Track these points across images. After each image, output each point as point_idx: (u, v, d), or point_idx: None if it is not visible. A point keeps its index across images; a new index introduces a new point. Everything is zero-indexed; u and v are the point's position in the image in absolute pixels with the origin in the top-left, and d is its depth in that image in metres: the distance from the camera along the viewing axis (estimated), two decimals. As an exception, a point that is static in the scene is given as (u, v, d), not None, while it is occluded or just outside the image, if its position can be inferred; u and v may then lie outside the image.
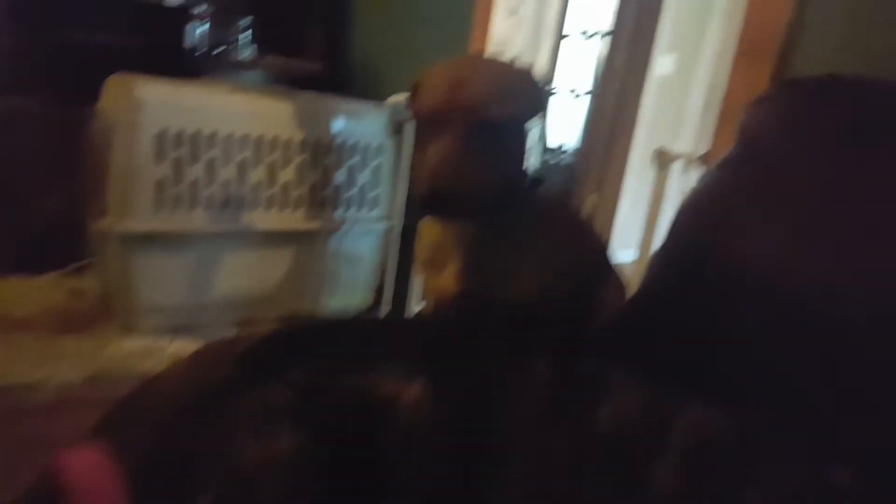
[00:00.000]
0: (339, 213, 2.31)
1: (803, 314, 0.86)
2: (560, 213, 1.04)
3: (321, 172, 2.24)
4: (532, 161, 0.99)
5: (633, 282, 1.66)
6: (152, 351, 2.00)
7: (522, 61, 2.14)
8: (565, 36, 4.55)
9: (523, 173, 0.93)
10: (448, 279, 0.93)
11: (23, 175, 2.38)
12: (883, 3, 1.12)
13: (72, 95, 2.20)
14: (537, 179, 0.96)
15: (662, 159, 1.71)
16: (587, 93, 4.54)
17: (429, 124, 0.82)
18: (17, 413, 1.63)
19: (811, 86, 1.02)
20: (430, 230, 0.97)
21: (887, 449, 0.75)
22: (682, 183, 1.70)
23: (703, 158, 1.49)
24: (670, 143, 3.29)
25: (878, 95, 0.95)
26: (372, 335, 0.75)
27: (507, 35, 2.06)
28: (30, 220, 2.39)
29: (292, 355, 0.67)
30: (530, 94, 0.87)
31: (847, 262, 0.85)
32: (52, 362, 1.86)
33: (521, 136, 0.89)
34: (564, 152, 4.69)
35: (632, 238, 3.62)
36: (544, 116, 0.98)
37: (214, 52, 2.84)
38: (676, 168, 1.71)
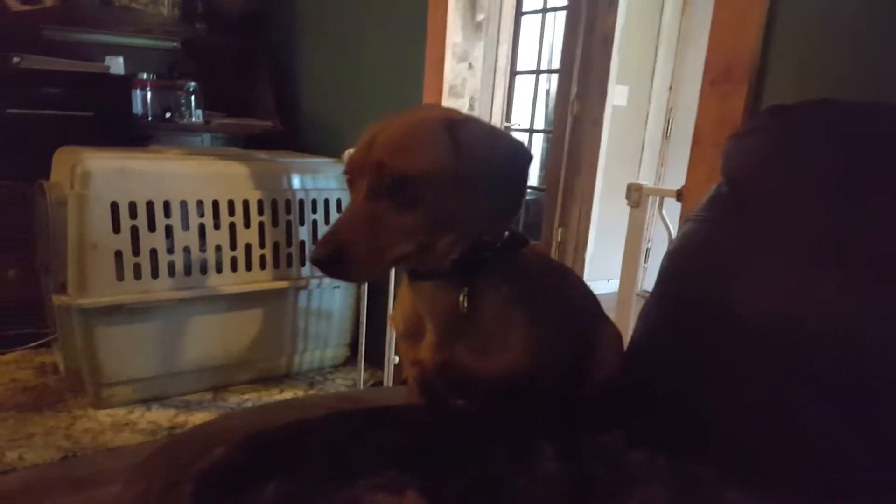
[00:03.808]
0: (305, 269, 2.28)
1: (817, 359, 0.78)
2: (545, 268, 0.97)
3: (283, 230, 2.22)
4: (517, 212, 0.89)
5: (618, 319, 1.66)
6: (126, 424, 1.92)
7: (476, 105, 2.19)
8: (520, 73, 4.67)
9: (501, 230, 0.84)
10: (426, 351, 0.86)
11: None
12: (847, 24, 1.08)
13: (23, 170, 2.15)
14: (521, 238, 0.88)
15: (636, 194, 1.69)
16: (545, 130, 4.66)
17: (350, 183, 0.79)
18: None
19: (801, 112, 0.94)
20: (405, 299, 0.90)
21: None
22: (652, 218, 1.69)
23: (679, 194, 1.43)
24: (632, 175, 3.37)
25: (876, 117, 0.88)
26: (352, 435, 0.67)
27: (459, 79, 2.10)
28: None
29: (264, 468, 0.58)
30: (449, 141, 0.76)
31: (864, 301, 0.76)
32: (23, 442, 1.78)
33: (462, 189, 0.76)
34: (528, 190, 4.76)
35: (601, 270, 3.68)
36: (482, 165, 0.80)
37: (162, 118, 2.81)
38: (650, 203, 1.69)
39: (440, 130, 0.77)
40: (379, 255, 0.75)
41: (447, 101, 2.08)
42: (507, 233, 0.86)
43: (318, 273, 2.27)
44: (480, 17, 2.09)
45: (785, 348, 0.82)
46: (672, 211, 1.53)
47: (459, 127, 0.78)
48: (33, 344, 2.38)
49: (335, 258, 0.72)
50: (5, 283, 2.32)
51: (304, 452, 0.61)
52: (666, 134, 3.86)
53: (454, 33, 2.06)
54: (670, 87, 3.79)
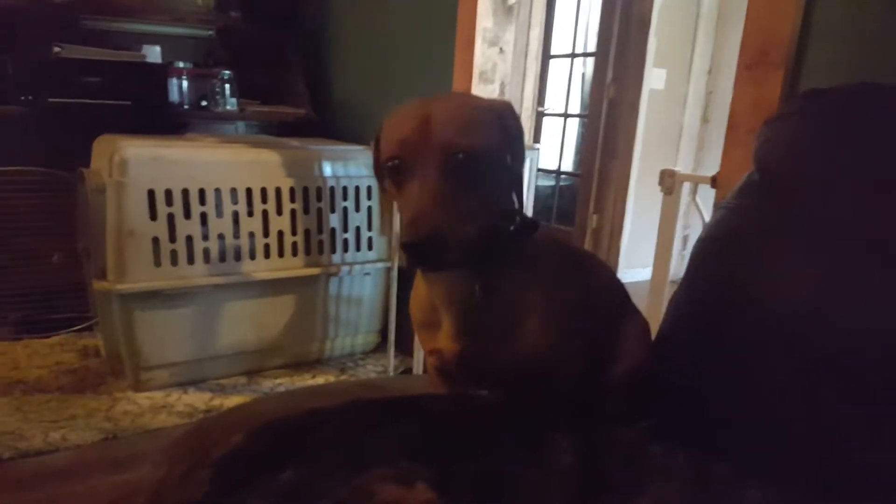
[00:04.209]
0: (336, 256, 2.30)
1: (851, 354, 0.75)
2: (562, 255, 0.95)
3: (315, 218, 2.24)
4: (524, 199, 0.89)
5: (649, 308, 1.64)
6: (163, 406, 1.98)
7: (506, 90, 2.17)
8: (553, 56, 4.62)
9: (512, 216, 0.84)
10: (444, 340, 0.85)
11: (26, 238, 2.40)
12: (891, 4, 1.02)
13: (65, 157, 2.21)
14: (532, 222, 0.86)
15: (669, 181, 1.65)
16: (580, 114, 4.60)
17: (397, 168, 0.75)
18: (32, 479, 1.61)
19: (839, 97, 0.89)
20: (420, 289, 0.89)
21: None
22: (691, 204, 1.65)
23: (714, 181, 1.39)
24: (670, 161, 3.29)
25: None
26: (366, 425, 0.67)
27: (490, 64, 2.08)
28: (36, 281, 2.40)
29: (278, 455, 0.59)
30: (500, 125, 0.80)
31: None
32: (65, 423, 1.85)
33: (501, 173, 0.80)
34: (562, 175, 4.74)
35: (638, 257, 3.63)
36: (522, 151, 0.86)
37: (198, 106, 2.85)
38: (685, 189, 1.65)
39: (492, 115, 0.80)
40: (464, 236, 0.73)
41: (477, 87, 2.06)
42: (518, 218, 0.85)
43: (349, 259, 2.31)
44: (512, 1, 2.06)
45: (814, 342, 0.79)
46: (708, 198, 1.49)
47: (505, 113, 0.81)
48: (77, 327, 2.46)
49: (434, 240, 0.68)
50: (50, 267, 2.40)
51: (321, 441, 0.62)
52: (705, 118, 3.77)
53: (485, 18, 2.03)
54: (709, 70, 3.69)
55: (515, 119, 0.84)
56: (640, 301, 1.20)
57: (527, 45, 2.38)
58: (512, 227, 0.84)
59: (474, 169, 0.74)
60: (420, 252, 0.69)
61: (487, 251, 0.80)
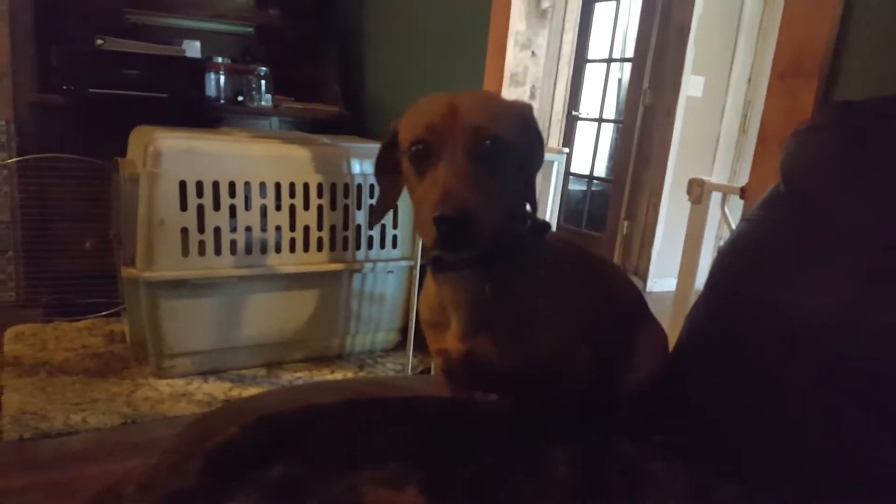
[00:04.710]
0: (360, 253, 2.31)
1: (877, 371, 0.73)
2: (574, 259, 0.93)
3: (341, 213, 2.26)
4: (536, 201, 0.88)
5: (673, 318, 1.61)
6: (183, 394, 2.02)
7: (537, 93, 2.16)
8: (590, 61, 4.58)
9: (524, 218, 0.84)
10: (451, 341, 0.84)
11: (61, 223, 2.47)
12: None
13: (103, 147, 2.28)
14: (543, 224, 0.86)
15: (697, 190, 1.62)
16: (614, 120, 4.56)
17: (421, 154, 0.74)
18: (53, 459, 1.65)
19: (870, 109, 0.88)
20: (430, 288, 0.88)
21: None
22: (720, 214, 1.62)
23: (743, 191, 1.36)
24: (705, 170, 3.22)
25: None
26: (366, 424, 0.66)
27: (521, 67, 2.07)
28: (69, 265, 2.47)
29: (271, 450, 0.59)
30: (521, 124, 0.80)
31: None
32: (87, 406, 1.89)
33: (519, 172, 0.80)
34: (595, 180, 4.70)
35: (670, 266, 3.57)
36: (540, 154, 0.86)
37: (234, 101, 2.90)
38: (714, 199, 1.62)
39: (514, 112, 0.81)
40: (492, 219, 0.72)
41: (508, 89, 2.06)
42: (529, 220, 0.84)
43: (373, 256, 2.33)
44: (546, 4, 2.05)
45: (838, 358, 0.77)
46: (739, 209, 1.47)
47: (526, 114, 0.83)
48: (105, 313, 2.52)
49: (467, 215, 0.67)
50: (82, 253, 2.46)
51: (314, 438, 0.62)
52: (743, 128, 3.69)
53: (518, 21, 2.02)
54: (749, 80, 3.62)
55: (534, 121, 0.84)
56: (668, 311, 1.17)
57: (559, 48, 2.37)
58: (524, 229, 0.83)
59: (500, 157, 0.74)
60: (452, 227, 0.67)
61: (499, 251, 0.79)
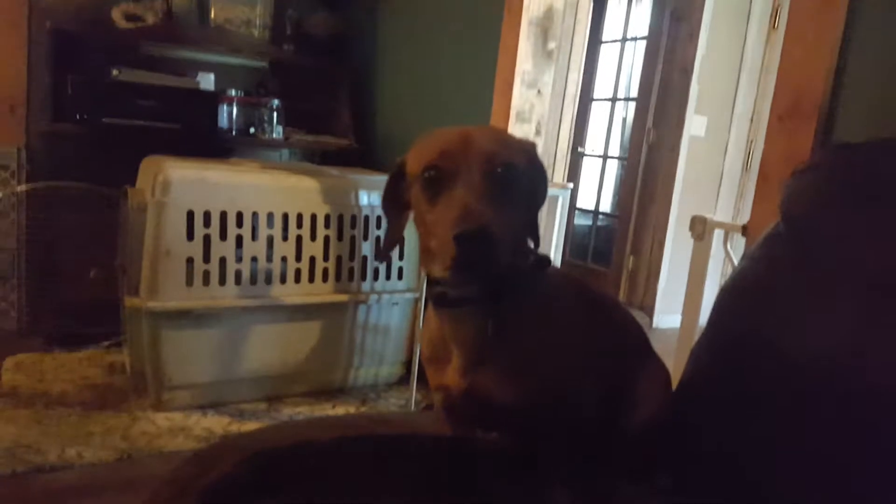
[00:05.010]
0: (366, 284, 2.31)
1: (879, 409, 0.73)
2: (575, 295, 0.93)
3: (347, 244, 2.26)
4: (539, 237, 0.89)
5: (677, 355, 1.60)
6: (181, 429, 1.99)
7: (542, 130, 2.18)
8: (595, 100, 4.65)
9: (527, 253, 0.84)
10: (452, 376, 0.83)
11: (67, 252, 2.48)
12: None
13: (113, 176, 2.29)
14: (544, 259, 0.85)
15: (700, 227, 1.64)
16: (619, 157, 4.60)
17: (434, 180, 0.74)
18: (43, 495, 1.62)
19: (869, 151, 0.90)
20: (431, 323, 0.88)
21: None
22: (723, 252, 1.63)
23: (745, 229, 1.38)
24: (709, 207, 3.25)
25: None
26: (361, 460, 0.65)
27: (528, 105, 2.10)
28: (72, 294, 2.47)
29: (266, 487, 0.58)
30: (527, 159, 0.81)
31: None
32: (83, 440, 1.87)
33: (526, 202, 0.81)
34: (600, 215, 4.72)
35: (676, 302, 3.55)
36: (544, 190, 0.87)
37: (245, 133, 2.94)
38: (717, 236, 1.63)
39: (521, 146, 0.83)
40: (507, 243, 0.72)
41: (513, 126, 2.08)
42: (532, 256, 0.85)
43: (378, 288, 2.32)
44: (552, 45, 2.08)
45: (840, 397, 0.77)
46: (742, 247, 1.47)
47: (531, 151, 0.84)
48: (106, 343, 2.51)
49: (487, 234, 0.67)
50: (87, 282, 2.46)
51: (306, 475, 0.61)
52: (746, 167, 3.71)
53: (525, 60, 2.06)
54: (751, 119, 3.65)
55: (538, 158, 0.86)
56: (672, 347, 1.16)
57: (565, 87, 2.40)
58: (527, 264, 0.83)
59: (511, 185, 0.75)
60: (474, 244, 0.67)
61: (503, 287, 0.79)
